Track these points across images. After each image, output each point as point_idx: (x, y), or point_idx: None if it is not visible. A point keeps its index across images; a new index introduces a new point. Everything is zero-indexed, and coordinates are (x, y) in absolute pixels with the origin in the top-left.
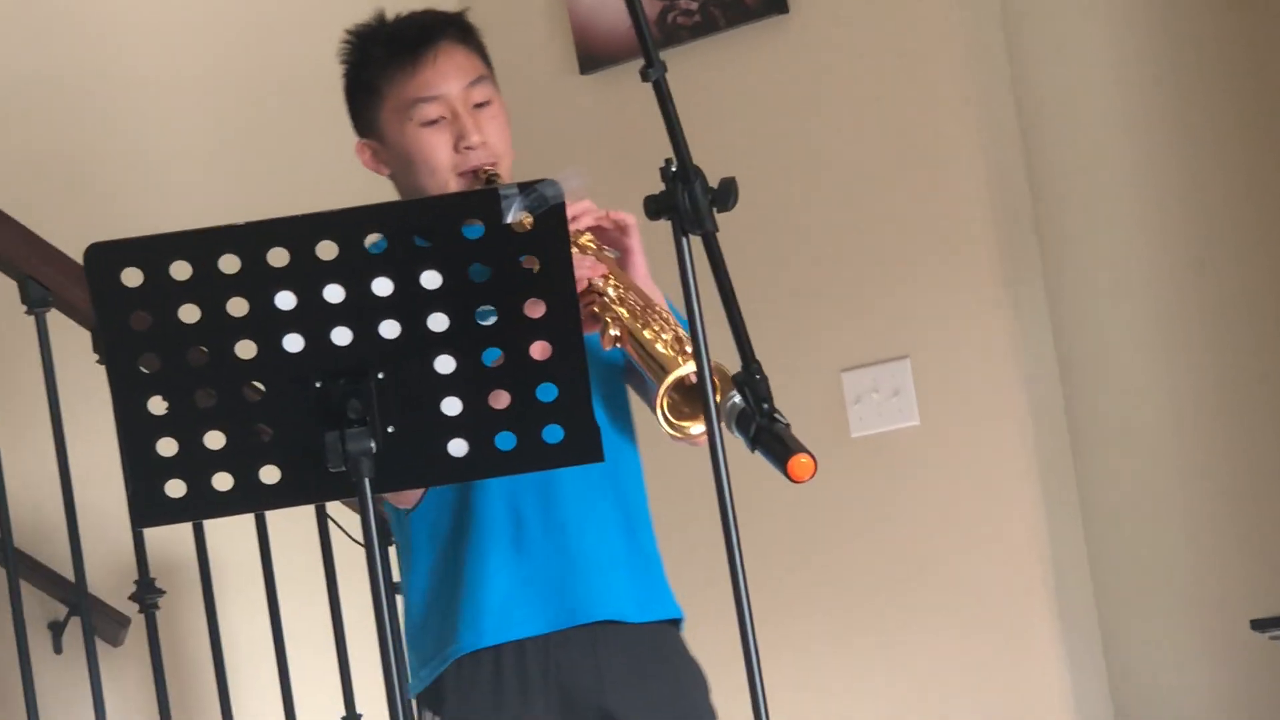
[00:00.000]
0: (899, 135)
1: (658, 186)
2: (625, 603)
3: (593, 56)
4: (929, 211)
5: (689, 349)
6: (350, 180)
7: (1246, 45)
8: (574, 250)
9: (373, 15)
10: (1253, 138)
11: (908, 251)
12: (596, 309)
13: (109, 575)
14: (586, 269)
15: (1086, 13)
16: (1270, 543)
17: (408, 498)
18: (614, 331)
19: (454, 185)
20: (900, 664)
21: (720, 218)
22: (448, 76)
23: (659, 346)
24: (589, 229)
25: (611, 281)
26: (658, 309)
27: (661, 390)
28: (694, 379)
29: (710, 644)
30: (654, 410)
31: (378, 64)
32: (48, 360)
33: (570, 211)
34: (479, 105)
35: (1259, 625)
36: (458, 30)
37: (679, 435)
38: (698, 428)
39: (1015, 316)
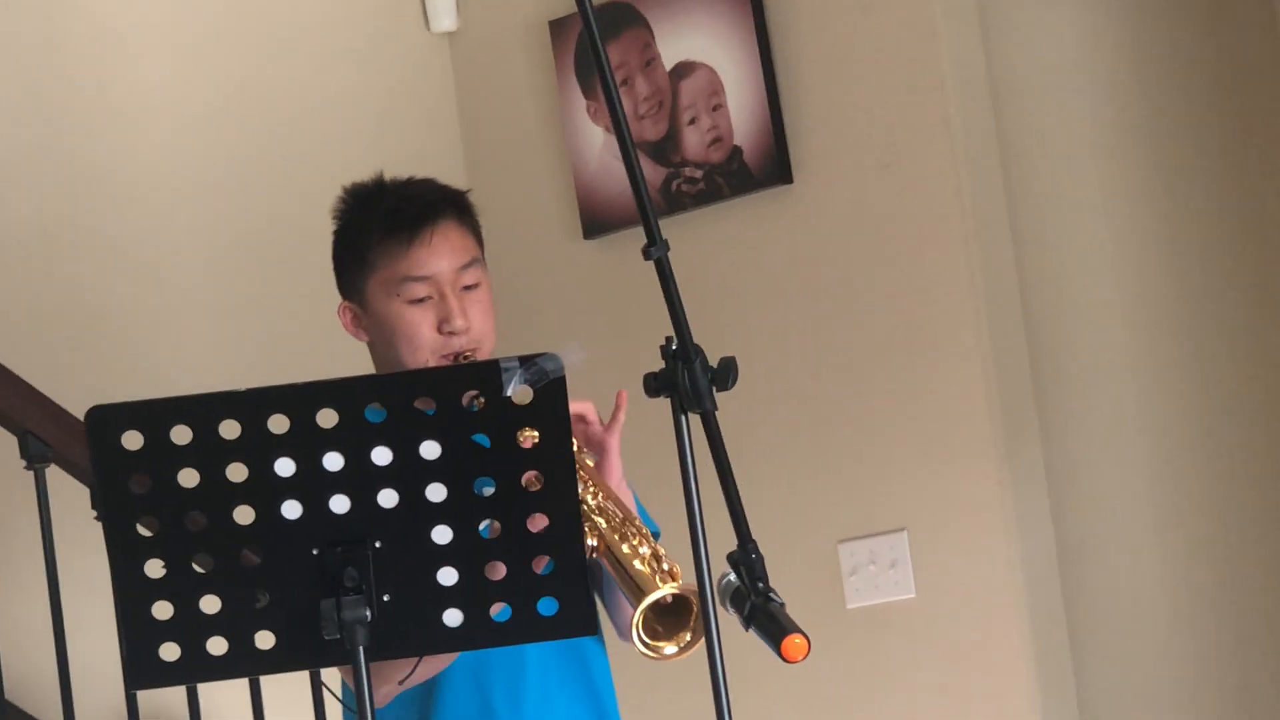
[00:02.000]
0: (900, 306)
1: (659, 354)
2: None
3: (596, 221)
4: (929, 384)
5: (665, 568)
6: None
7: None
8: None
9: (372, 178)
10: (1265, 296)
11: (906, 423)
12: None
13: None
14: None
15: (1088, 179)
16: None
17: (379, 695)
18: (592, 542)
19: (432, 365)
20: None
21: (733, 394)
22: (441, 257)
23: (637, 564)
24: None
25: (590, 489)
26: (635, 522)
27: (637, 612)
28: (668, 601)
29: None
30: (627, 631)
31: (373, 234)
32: (45, 515)
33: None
34: (467, 288)
35: None
36: (456, 210)
37: (653, 655)
38: (671, 648)
39: (1013, 490)
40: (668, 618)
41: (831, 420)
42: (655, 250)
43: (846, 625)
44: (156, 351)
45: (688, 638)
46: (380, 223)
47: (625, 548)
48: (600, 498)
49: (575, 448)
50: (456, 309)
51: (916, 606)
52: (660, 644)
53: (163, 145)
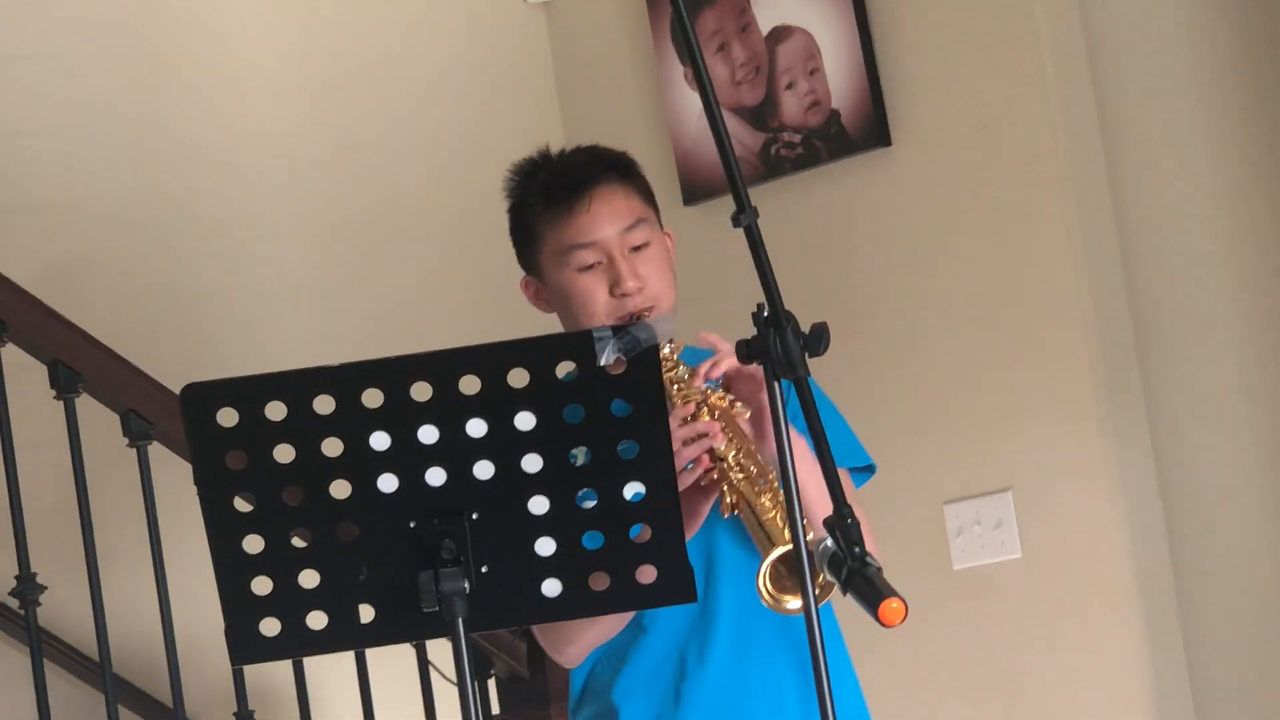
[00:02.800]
0: (1000, 267)
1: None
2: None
3: (696, 188)
4: (1031, 344)
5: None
6: (454, 315)
7: None
8: (702, 415)
9: (537, 151)
10: None
11: (1009, 383)
12: (715, 475)
13: (209, 703)
14: (706, 438)
15: (1187, 136)
16: None
17: (567, 656)
18: (729, 499)
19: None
20: None
21: (838, 355)
22: (603, 222)
23: (770, 516)
24: (728, 383)
25: (733, 447)
26: (773, 477)
27: (765, 564)
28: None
29: None
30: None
31: (535, 207)
32: (149, 492)
33: (703, 367)
34: (636, 249)
35: None
36: (616, 172)
37: (774, 606)
38: (794, 603)
39: (1117, 448)
40: (795, 573)
41: (934, 382)
42: (745, 218)
43: (953, 586)
44: (260, 331)
45: (816, 592)
46: (541, 195)
47: (763, 501)
48: (739, 454)
49: (727, 404)
50: (626, 271)
51: (1022, 567)
52: (784, 596)
53: (268, 124)
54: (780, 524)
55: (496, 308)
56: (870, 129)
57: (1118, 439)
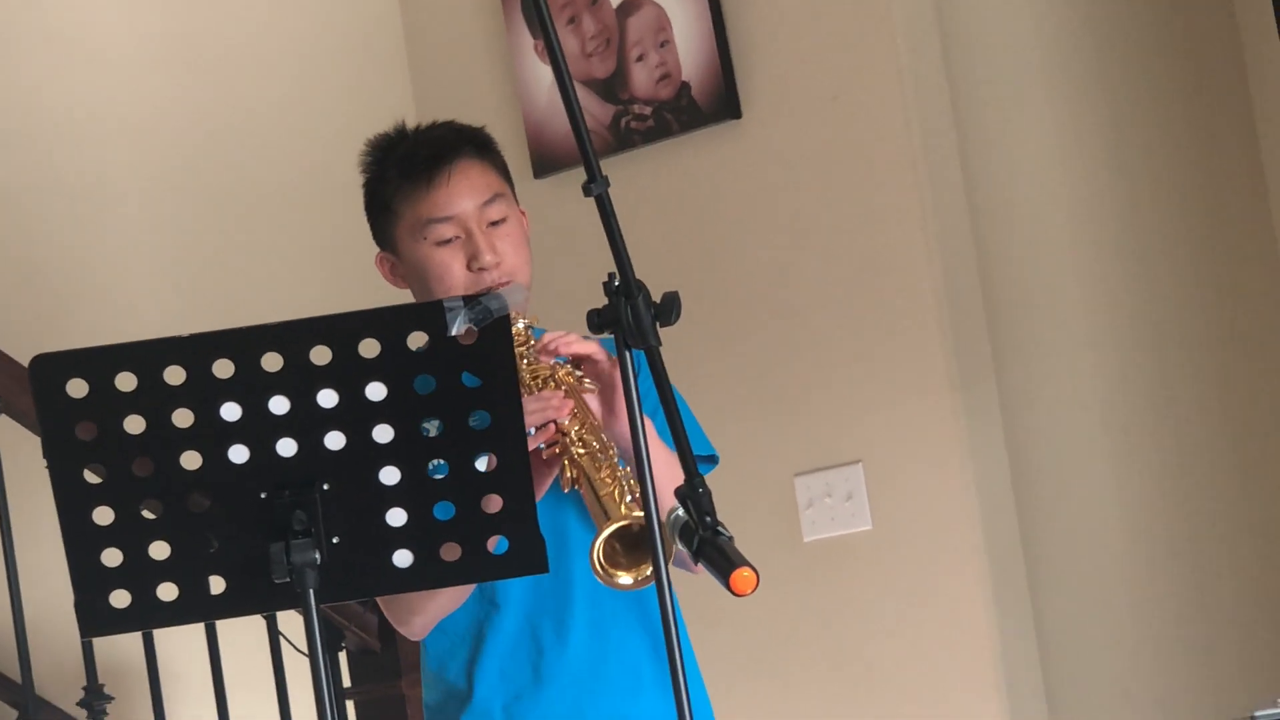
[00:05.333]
0: (851, 239)
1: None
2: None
3: (546, 160)
4: (882, 315)
5: (632, 498)
6: (305, 288)
7: (1203, 135)
8: (550, 387)
9: (393, 127)
10: (1209, 234)
11: (860, 356)
12: (558, 450)
13: (59, 678)
14: (552, 409)
15: (1038, 107)
16: (1223, 660)
17: (413, 627)
18: (570, 473)
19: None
20: None
21: (686, 327)
22: (461, 196)
23: (605, 492)
24: (574, 359)
25: (575, 421)
26: (611, 453)
27: (599, 539)
28: (634, 529)
29: None
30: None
31: (392, 182)
32: None
33: (548, 338)
34: (494, 224)
35: None
36: (474, 147)
37: (606, 580)
38: (625, 578)
39: (967, 420)
40: (634, 550)
41: (785, 355)
42: (595, 187)
43: (804, 558)
44: (113, 303)
45: (648, 571)
46: (398, 169)
47: (601, 475)
48: (583, 429)
49: (574, 381)
50: (484, 245)
51: (873, 538)
52: (617, 572)
53: (121, 94)
54: (617, 499)
55: (352, 283)
56: (720, 101)
57: (967, 410)
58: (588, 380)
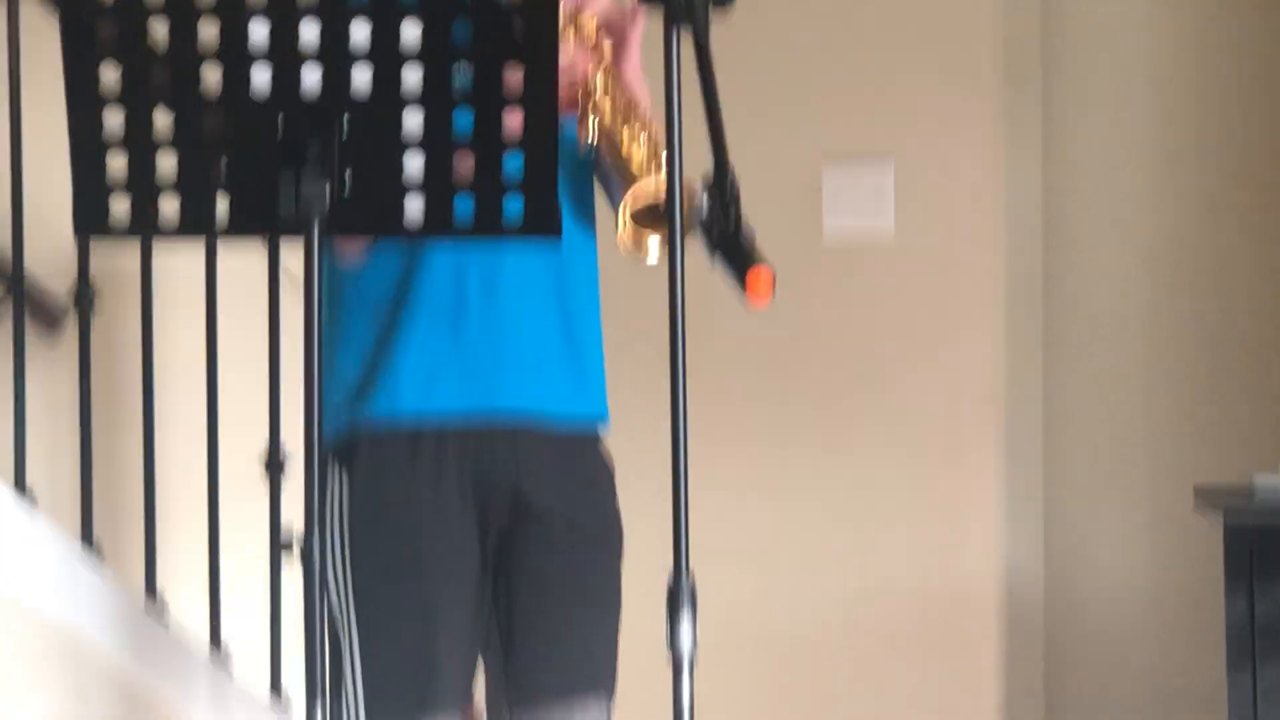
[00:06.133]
0: None
1: None
2: (552, 393)
3: None
4: (937, 14)
5: (663, 160)
6: None
7: None
8: (572, 37)
9: None
10: None
11: (908, 52)
12: (580, 98)
13: (52, 268)
14: (581, 60)
15: None
16: (1222, 412)
17: (351, 254)
18: (593, 126)
19: None
20: (835, 474)
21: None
22: None
23: (635, 149)
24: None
25: (602, 75)
26: (641, 113)
27: (627, 193)
28: (660, 195)
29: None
30: (615, 213)
31: None
32: (14, 44)
33: None
34: None
35: (1203, 492)
36: None
37: (635, 249)
38: (654, 244)
39: (1009, 136)
40: (654, 219)
41: (833, 40)
42: None
43: (824, 252)
44: None
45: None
46: None
47: (626, 134)
48: (610, 85)
49: (594, 28)
50: None
51: (895, 240)
52: (646, 233)
53: None
54: (643, 157)
55: None
56: None
57: (1010, 126)
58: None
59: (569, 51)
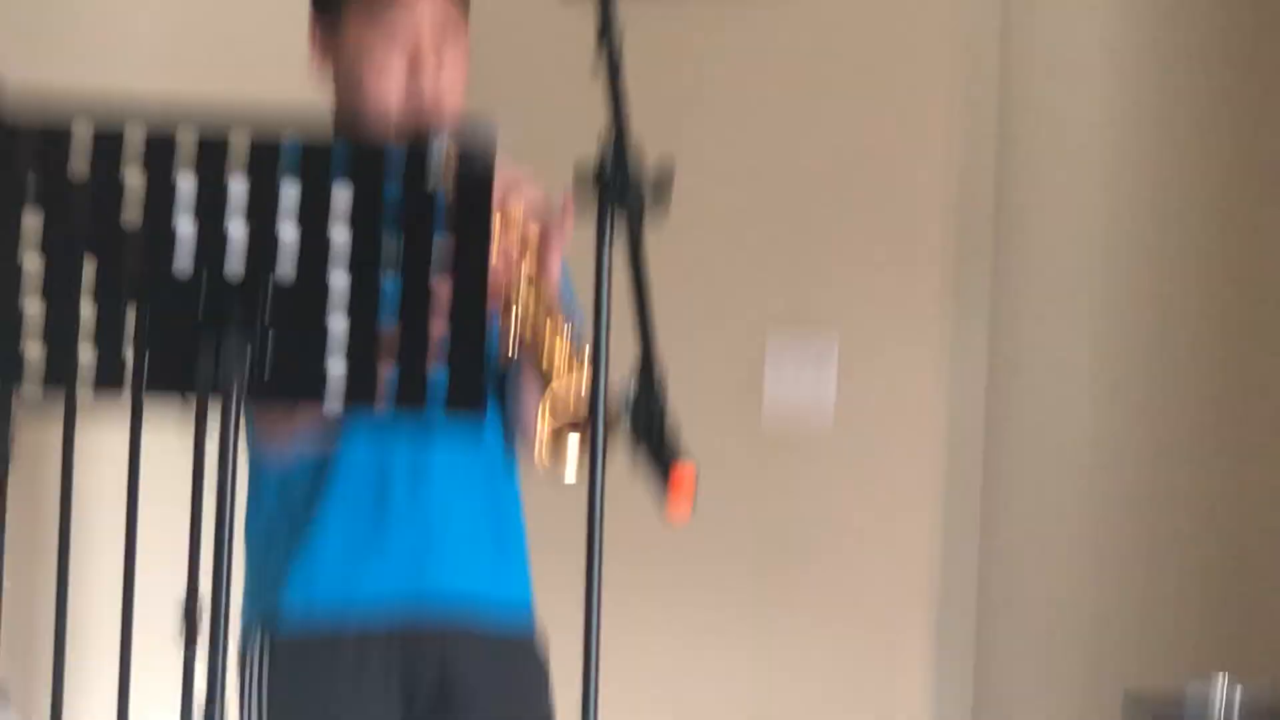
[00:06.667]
0: (876, 120)
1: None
2: (482, 581)
3: None
4: (891, 196)
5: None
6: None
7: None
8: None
9: None
10: (1230, 175)
11: (860, 233)
12: (504, 289)
13: None
14: (506, 249)
15: (1086, 30)
16: (1157, 617)
17: (281, 435)
18: (516, 319)
19: (394, 117)
20: (766, 659)
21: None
22: (418, 13)
23: (556, 346)
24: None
25: (527, 266)
26: (557, 306)
27: (545, 405)
28: (578, 409)
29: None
30: (530, 428)
31: None
32: None
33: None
34: (441, 48)
35: (1132, 698)
36: None
37: (552, 460)
38: (572, 459)
39: (954, 323)
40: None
41: (778, 212)
42: (607, 39)
43: (761, 432)
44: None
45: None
46: None
47: (548, 328)
48: (532, 276)
49: (520, 216)
50: (432, 62)
51: (835, 417)
52: (564, 444)
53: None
54: (564, 356)
55: None
56: None
57: (957, 317)
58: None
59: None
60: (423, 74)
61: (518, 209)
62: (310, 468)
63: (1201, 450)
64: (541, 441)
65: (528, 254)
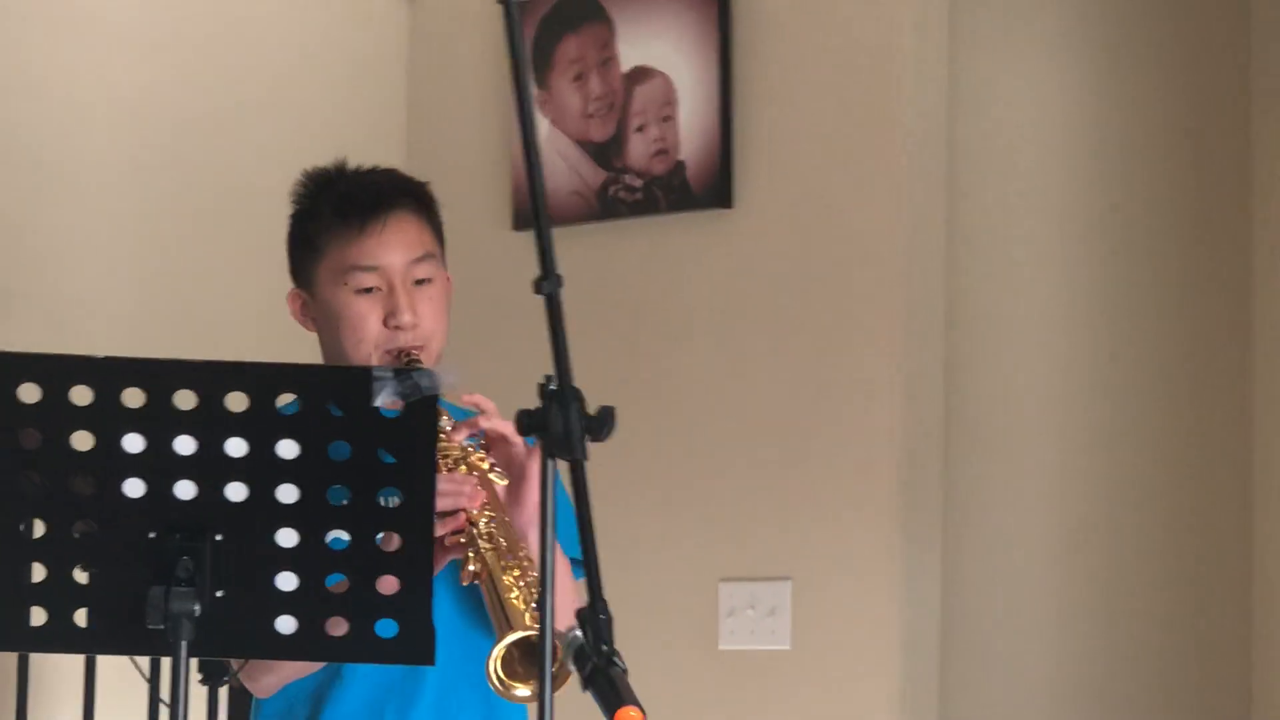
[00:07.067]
0: (819, 356)
1: (582, 350)
2: None
3: (528, 215)
4: (842, 437)
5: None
6: (264, 295)
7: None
8: (461, 470)
9: (334, 162)
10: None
11: (812, 474)
12: (463, 539)
13: None
14: (465, 497)
15: (1036, 255)
16: None
17: (261, 685)
18: (473, 567)
19: (375, 360)
20: None
21: (637, 411)
22: (392, 248)
23: (512, 596)
24: (490, 437)
25: (486, 514)
26: (523, 555)
27: (499, 646)
28: (535, 639)
29: None
30: (485, 660)
31: (324, 219)
32: None
33: (470, 423)
34: (419, 282)
35: None
36: (415, 200)
37: (501, 692)
38: (522, 690)
39: (905, 567)
40: (530, 661)
41: (742, 457)
42: (547, 285)
43: (719, 667)
44: (57, 293)
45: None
46: (332, 208)
47: (506, 579)
48: (491, 524)
49: (487, 468)
50: (405, 303)
51: (790, 657)
52: (516, 684)
53: (101, 69)
54: (521, 607)
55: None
56: (714, 187)
57: (907, 558)
58: (498, 469)
59: (456, 483)
60: (401, 315)
61: (480, 461)
62: (308, 703)
63: (1155, 635)
64: (496, 669)
65: (489, 499)
